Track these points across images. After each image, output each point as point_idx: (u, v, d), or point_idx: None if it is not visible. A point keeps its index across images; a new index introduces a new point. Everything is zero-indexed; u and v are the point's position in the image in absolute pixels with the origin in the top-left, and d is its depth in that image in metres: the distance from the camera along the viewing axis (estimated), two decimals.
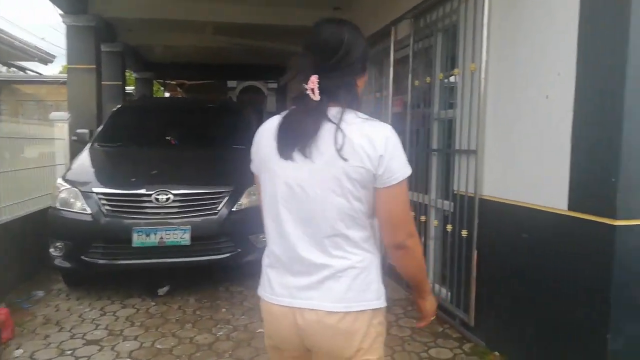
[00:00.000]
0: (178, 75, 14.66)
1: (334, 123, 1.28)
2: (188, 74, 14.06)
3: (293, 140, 1.31)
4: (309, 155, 1.29)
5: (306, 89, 1.29)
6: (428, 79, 4.04)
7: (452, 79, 3.79)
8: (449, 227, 3.55)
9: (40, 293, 4.37)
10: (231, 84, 17.15)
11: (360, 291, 1.34)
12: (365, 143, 1.26)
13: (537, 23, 2.76)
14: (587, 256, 2.37)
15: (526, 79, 2.85)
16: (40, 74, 16.87)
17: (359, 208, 1.31)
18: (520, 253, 2.87)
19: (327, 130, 1.28)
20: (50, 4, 6.32)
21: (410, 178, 1.33)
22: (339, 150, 1.25)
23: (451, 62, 3.83)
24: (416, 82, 4.26)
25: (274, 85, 15.57)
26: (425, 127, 4.16)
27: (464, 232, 3.33)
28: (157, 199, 4.08)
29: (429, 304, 1.52)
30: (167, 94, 18.83)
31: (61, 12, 6.32)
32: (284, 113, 1.37)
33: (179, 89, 18.49)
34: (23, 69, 17.06)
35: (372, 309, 1.36)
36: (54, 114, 6.23)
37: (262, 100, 16.45)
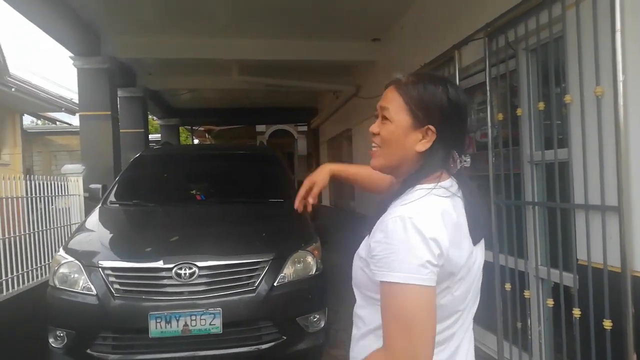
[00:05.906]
0: (205, 121, 14.15)
1: None
2: (215, 119, 13.53)
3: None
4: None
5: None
6: (520, 111, 3.15)
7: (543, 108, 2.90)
8: (577, 313, 2.55)
9: None
10: (260, 128, 16.67)
11: None
12: None
13: None
14: None
15: None
16: (70, 124, 16.73)
17: None
18: None
19: None
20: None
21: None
22: None
23: (548, 87, 2.97)
24: (499, 116, 3.38)
25: (304, 128, 14.95)
26: (520, 172, 3.24)
27: (607, 324, 2.33)
28: (178, 274, 3.21)
29: None
30: (196, 141, 18.47)
31: (71, 54, 5.74)
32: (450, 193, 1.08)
33: (207, 135, 18.10)
34: (54, 120, 17.03)
35: None
36: (67, 167, 5.52)
37: (292, 144, 15.85)
